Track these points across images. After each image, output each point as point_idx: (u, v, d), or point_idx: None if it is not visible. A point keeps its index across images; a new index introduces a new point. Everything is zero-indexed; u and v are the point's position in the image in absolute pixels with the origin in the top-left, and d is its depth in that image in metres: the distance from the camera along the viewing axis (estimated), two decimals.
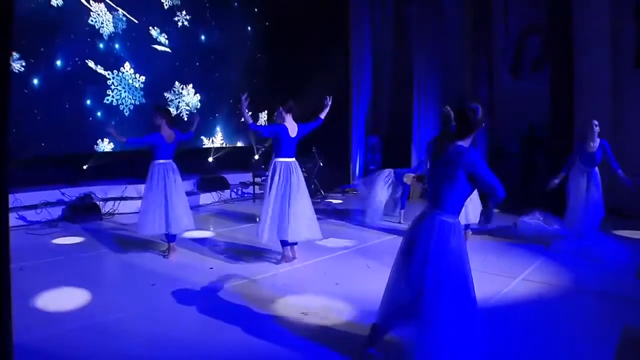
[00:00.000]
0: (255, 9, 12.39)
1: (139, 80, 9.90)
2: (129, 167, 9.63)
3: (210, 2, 11.38)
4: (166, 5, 10.41)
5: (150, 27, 10.13)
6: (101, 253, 6.02)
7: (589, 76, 8.31)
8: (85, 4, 8.95)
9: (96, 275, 5.06)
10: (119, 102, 9.59)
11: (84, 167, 9.05)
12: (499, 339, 3.51)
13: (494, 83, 10.06)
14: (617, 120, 8.31)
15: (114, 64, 9.49)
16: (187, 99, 10.93)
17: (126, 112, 9.74)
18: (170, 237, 5.79)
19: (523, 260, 5.65)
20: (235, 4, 12.03)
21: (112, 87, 9.49)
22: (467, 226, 6.85)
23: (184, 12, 10.73)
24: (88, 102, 9.14)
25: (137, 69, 9.87)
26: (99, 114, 9.31)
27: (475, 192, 6.60)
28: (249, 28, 12.25)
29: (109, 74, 9.41)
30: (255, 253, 5.99)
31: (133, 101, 9.82)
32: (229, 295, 4.49)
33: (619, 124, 8.28)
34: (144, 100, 9.93)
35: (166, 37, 10.40)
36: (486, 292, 4.46)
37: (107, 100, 9.42)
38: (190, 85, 11.00)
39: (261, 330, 3.69)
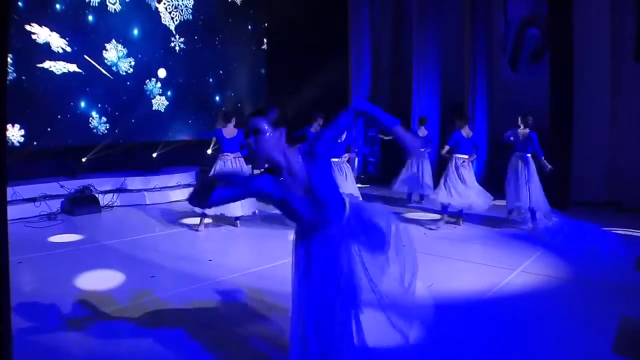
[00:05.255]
0: (251, 11, 12.33)
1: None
2: (128, 159, 9.62)
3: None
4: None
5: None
6: (100, 245, 6.01)
7: (589, 68, 8.30)
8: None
9: (95, 268, 5.05)
10: None
11: (83, 159, 9.03)
12: (498, 331, 3.53)
13: (494, 74, 10.03)
14: (615, 112, 8.31)
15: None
16: None
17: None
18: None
19: (522, 251, 5.64)
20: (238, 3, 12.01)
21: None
22: (460, 212, 6.87)
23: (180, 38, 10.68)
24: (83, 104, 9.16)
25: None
26: None
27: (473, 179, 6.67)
28: (249, 27, 12.14)
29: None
30: (255, 244, 6.01)
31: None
32: (229, 287, 4.48)
33: (618, 116, 8.28)
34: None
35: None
36: (485, 284, 4.48)
37: None
38: None
39: (259, 323, 3.68)
